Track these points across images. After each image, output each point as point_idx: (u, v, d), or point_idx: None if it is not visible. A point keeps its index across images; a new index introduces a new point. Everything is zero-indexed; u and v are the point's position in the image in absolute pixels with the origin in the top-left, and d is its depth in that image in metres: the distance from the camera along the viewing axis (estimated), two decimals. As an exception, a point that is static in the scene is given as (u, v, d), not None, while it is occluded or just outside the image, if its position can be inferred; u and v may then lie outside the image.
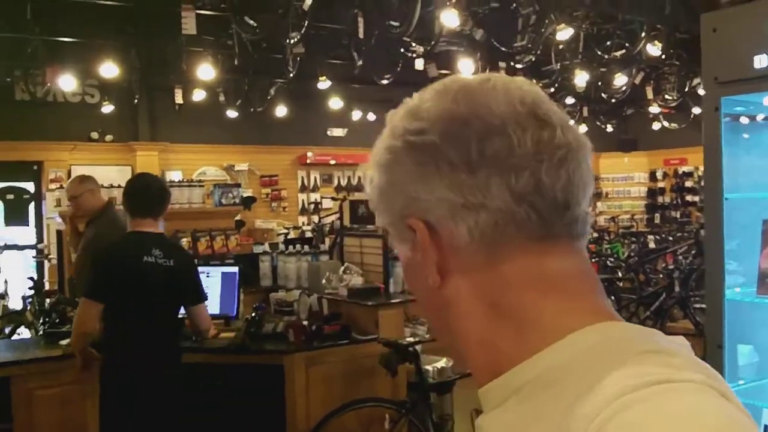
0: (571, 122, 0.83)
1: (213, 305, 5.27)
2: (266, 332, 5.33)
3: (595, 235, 17.29)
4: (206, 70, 10.32)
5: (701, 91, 3.28)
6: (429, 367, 5.56)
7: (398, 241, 0.86)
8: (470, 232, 0.77)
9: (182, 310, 4.47)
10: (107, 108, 12.59)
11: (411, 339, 5.31)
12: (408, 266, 0.87)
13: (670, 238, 13.56)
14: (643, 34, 9.96)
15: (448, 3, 8.07)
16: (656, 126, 17.09)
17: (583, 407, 0.66)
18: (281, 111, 13.65)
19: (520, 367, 0.76)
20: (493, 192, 0.76)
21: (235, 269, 5.77)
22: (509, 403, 0.77)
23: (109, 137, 13.10)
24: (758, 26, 2.56)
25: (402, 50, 9.43)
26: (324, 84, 11.93)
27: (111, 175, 10.16)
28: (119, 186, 7.13)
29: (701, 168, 2.89)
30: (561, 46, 10.56)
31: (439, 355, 5.87)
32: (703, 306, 7.80)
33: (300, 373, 5.10)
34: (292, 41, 8.35)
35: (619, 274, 11.33)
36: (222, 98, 12.82)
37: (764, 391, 2.94)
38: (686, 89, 12.57)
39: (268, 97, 12.74)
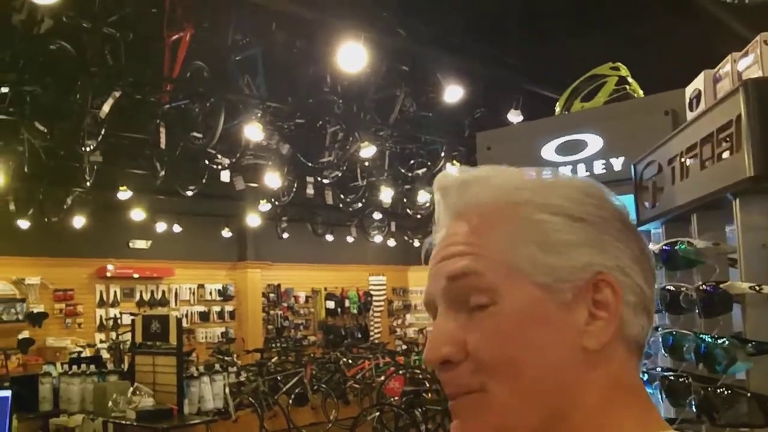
0: None
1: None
2: (41, 465, 4.83)
3: (404, 347, 17.55)
4: (-9, 177, 9.65)
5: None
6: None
7: (543, 287, 0.79)
8: (639, 333, 0.81)
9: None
10: None
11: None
12: (537, 315, 0.78)
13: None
14: (443, 154, 10.46)
15: (252, 117, 8.10)
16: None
17: None
18: (79, 221, 12.96)
19: None
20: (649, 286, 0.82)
21: (7, 393, 5.20)
22: None
23: None
24: (526, 144, 2.68)
25: (207, 162, 9.30)
26: (125, 194, 11.50)
27: None
28: None
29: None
30: (366, 163, 10.85)
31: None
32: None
33: None
34: (88, 149, 8.00)
35: (427, 385, 11.40)
36: (12, 207, 11.98)
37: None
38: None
39: (64, 207, 12.05)
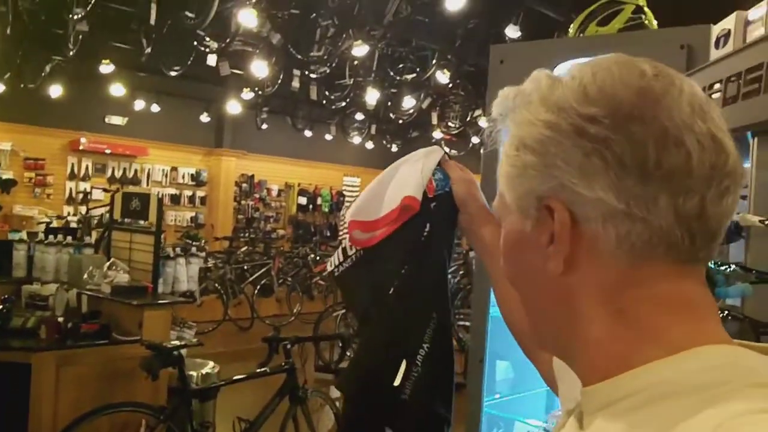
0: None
1: (-47, 294, 4.75)
2: (14, 327, 4.94)
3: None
4: (-28, 35, 9.37)
5: (482, 123, 3.39)
6: (193, 373, 5.38)
7: (519, 214, 0.81)
8: (619, 241, 0.73)
9: None
10: None
11: (176, 342, 5.09)
12: (518, 241, 0.82)
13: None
14: (434, 62, 10.37)
15: (247, 2, 7.93)
16: (436, 151, 17.78)
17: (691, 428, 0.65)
18: (56, 91, 12.70)
19: (635, 372, 0.73)
20: (660, 209, 0.71)
21: (-16, 256, 5.26)
22: (614, 410, 0.73)
23: None
24: (540, 62, 2.69)
25: (195, 43, 9.14)
26: (107, 67, 11.27)
27: None
28: None
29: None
30: (356, 62, 10.73)
31: (207, 359, 5.72)
32: (467, 323, 8.18)
33: (49, 373, 4.74)
34: (75, 17, 7.80)
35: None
36: (-12, 69, 11.68)
37: (517, 405, 3.11)
38: (468, 119, 13.22)
39: (43, 74, 11.80)
